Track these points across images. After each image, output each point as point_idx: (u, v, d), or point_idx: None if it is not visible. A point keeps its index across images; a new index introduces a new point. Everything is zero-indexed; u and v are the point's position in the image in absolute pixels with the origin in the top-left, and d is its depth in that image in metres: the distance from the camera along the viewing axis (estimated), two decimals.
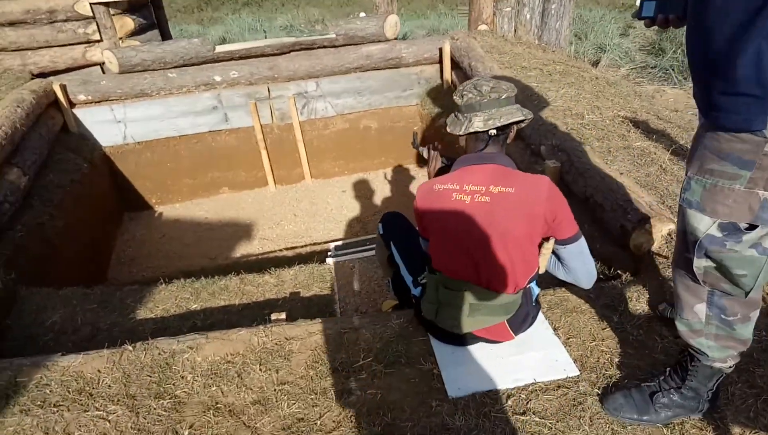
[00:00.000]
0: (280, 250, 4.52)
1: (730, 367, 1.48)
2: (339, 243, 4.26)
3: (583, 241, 1.81)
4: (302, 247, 4.55)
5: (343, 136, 5.44)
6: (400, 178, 5.53)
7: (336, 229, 4.78)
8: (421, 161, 5.66)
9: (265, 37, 13.16)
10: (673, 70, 7.34)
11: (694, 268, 1.31)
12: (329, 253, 3.64)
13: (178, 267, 4.41)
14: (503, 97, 1.79)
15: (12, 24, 4.62)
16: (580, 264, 1.84)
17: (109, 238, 4.77)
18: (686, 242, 1.33)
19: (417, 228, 2.03)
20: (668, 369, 1.62)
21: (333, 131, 5.40)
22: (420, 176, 5.51)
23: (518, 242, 1.71)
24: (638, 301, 2.12)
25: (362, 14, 16.31)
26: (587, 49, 8.33)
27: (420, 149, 2.33)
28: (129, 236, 4.96)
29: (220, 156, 5.28)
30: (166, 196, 5.38)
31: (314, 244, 4.58)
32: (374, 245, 3.72)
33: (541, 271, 1.89)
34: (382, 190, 5.36)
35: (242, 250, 4.63)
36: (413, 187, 5.36)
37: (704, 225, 1.25)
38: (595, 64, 7.64)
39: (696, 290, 1.38)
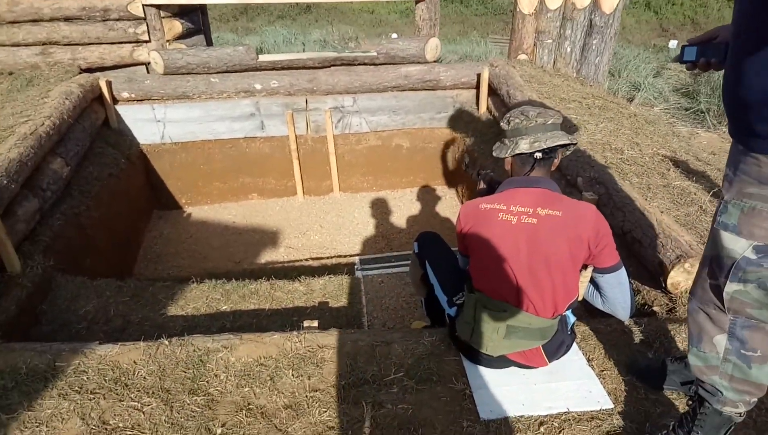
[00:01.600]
0: (305, 260, 4.55)
1: (741, 414, 1.45)
2: (364, 257, 4.28)
3: (623, 271, 1.82)
4: (327, 258, 4.57)
5: (374, 152, 5.50)
6: (428, 198, 5.56)
7: (361, 244, 4.80)
8: (453, 183, 5.69)
9: (304, 50, 13.38)
10: (708, 113, 7.31)
11: (724, 294, 1.32)
12: (357, 267, 3.67)
13: (204, 268, 4.46)
14: (549, 122, 1.83)
15: (67, 19, 4.78)
16: (619, 294, 1.84)
17: (138, 234, 4.84)
18: (718, 267, 1.33)
19: (457, 245, 2.05)
20: (680, 416, 1.61)
21: (365, 147, 5.46)
22: (448, 198, 5.54)
23: (561, 266, 1.72)
24: (674, 339, 2.11)
25: (394, 35, 16.53)
26: (621, 87, 8.34)
27: (470, 172, 2.36)
28: (157, 233, 5.03)
29: (252, 162, 5.36)
30: (196, 198, 5.46)
31: (339, 256, 4.61)
32: (400, 262, 3.75)
33: (579, 298, 1.89)
34: (408, 209, 5.39)
35: (267, 256, 4.67)
36: (440, 208, 5.38)
37: (740, 247, 1.26)
38: (629, 101, 7.65)
39: (718, 319, 1.38)
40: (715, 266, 1.34)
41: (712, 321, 1.39)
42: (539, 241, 1.71)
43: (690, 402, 1.57)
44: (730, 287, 1.30)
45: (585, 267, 1.82)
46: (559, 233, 1.70)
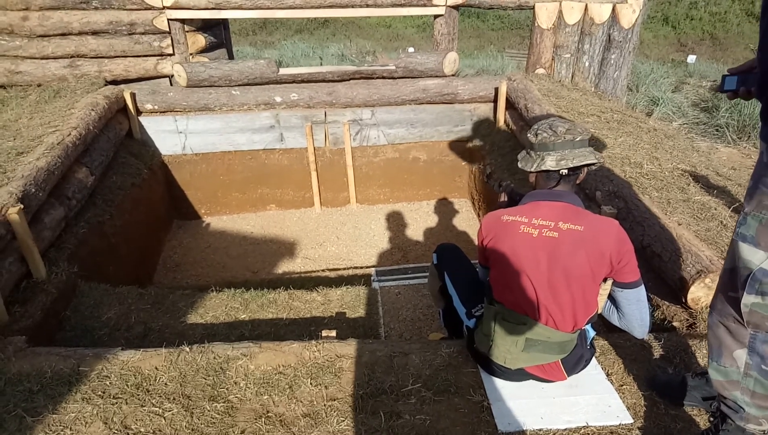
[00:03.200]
0: (322, 271, 4.58)
1: (765, 431, 1.43)
2: (381, 268, 4.30)
3: (642, 289, 1.80)
4: (344, 269, 4.60)
5: (391, 165, 5.54)
6: (444, 210, 5.57)
7: (377, 255, 4.82)
8: (471, 196, 5.69)
9: (321, 64, 13.53)
10: (727, 128, 7.25)
11: (741, 306, 1.31)
12: (373, 278, 3.69)
13: (222, 277, 4.52)
14: (577, 139, 1.81)
15: (95, 33, 4.90)
16: (636, 311, 1.82)
17: (158, 243, 4.92)
18: (735, 279, 1.33)
19: (477, 256, 2.06)
20: (701, 433, 1.59)
21: (382, 159, 5.50)
22: (464, 210, 5.54)
23: (581, 280, 1.71)
24: (694, 355, 2.09)
25: (411, 49, 16.68)
26: (639, 101, 8.31)
27: (492, 184, 2.38)
28: (176, 243, 5.11)
29: (271, 173, 5.43)
30: (215, 208, 5.54)
31: (356, 267, 4.63)
32: (417, 274, 3.76)
33: (599, 311, 1.88)
34: (425, 221, 5.41)
35: (285, 267, 4.71)
36: (456, 221, 5.38)
37: (758, 258, 1.26)
38: (648, 116, 7.62)
39: (738, 333, 1.37)
40: (734, 278, 1.34)
41: (732, 335, 1.39)
42: (560, 254, 1.71)
43: (712, 419, 1.55)
44: (748, 299, 1.29)
45: (605, 280, 1.81)
46: (579, 248, 1.69)
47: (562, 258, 1.70)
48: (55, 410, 1.86)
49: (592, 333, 1.97)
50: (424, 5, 5.21)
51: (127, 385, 1.97)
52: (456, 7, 5.31)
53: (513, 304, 1.81)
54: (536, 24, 5.28)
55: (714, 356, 1.45)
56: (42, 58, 4.94)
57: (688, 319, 2.33)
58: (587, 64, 5.32)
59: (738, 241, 1.30)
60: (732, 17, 19.66)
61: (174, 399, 1.91)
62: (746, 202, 1.32)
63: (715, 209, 2.85)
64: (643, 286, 1.80)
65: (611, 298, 1.87)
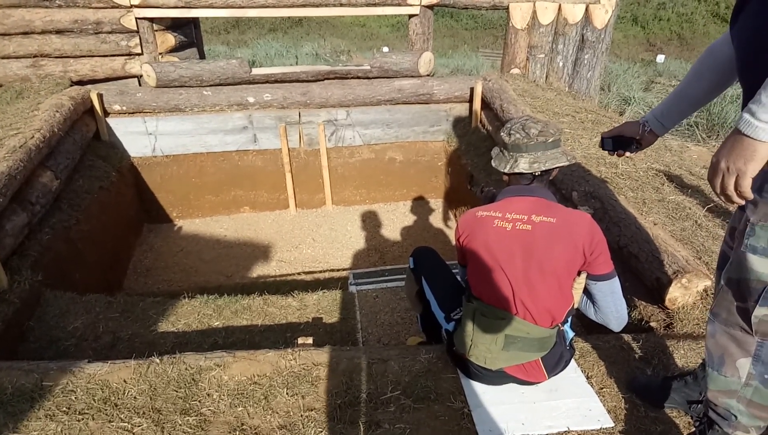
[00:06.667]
0: (298, 274, 4.51)
1: None
2: (357, 271, 4.25)
3: (616, 281, 1.81)
4: (320, 272, 4.54)
5: (367, 165, 5.49)
6: (421, 211, 5.55)
7: (354, 257, 4.77)
8: (447, 196, 5.68)
9: (296, 63, 13.41)
10: (697, 127, 7.40)
11: (752, 317, 1.28)
12: (350, 281, 3.63)
13: (195, 282, 4.41)
14: (550, 141, 1.82)
15: (59, 32, 4.73)
16: (611, 303, 1.82)
17: (128, 248, 4.78)
18: (746, 290, 1.29)
19: (456, 255, 2.03)
20: None
21: (358, 160, 5.45)
22: (441, 210, 5.53)
23: (556, 272, 1.71)
24: (672, 355, 2.09)
25: (385, 48, 16.65)
26: (611, 100, 8.43)
27: (474, 190, 2.36)
28: (147, 247, 4.98)
29: (244, 175, 5.33)
30: (187, 211, 5.41)
31: (332, 270, 4.57)
32: (394, 276, 3.72)
33: (576, 305, 1.87)
34: (401, 222, 5.37)
35: (259, 270, 4.62)
36: (433, 221, 5.37)
37: None
38: (620, 115, 7.72)
39: (744, 342, 1.34)
40: (744, 289, 1.30)
41: (737, 343, 1.35)
42: (534, 247, 1.71)
43: (697, 423, 1.54)
44: (760, 311, 1.26)
45: (579, 273, 1.81)
46: (553, 239, 1.70)
47: (537, 250, 1.70)
48: (15, 429, 1.76)
49: (571, 334, 1.96)
50: (399, 5, 5.18)
51: (93, 400, 1.89)
52: (431, 7, 5.28)
53: (490, 299, 1.79)
54: (511, 24, 5.29)
55: (714, 365, 1.42)
56: (3, 58, 4.75)
57: (665, 319, 2.34)
58: (561, 64, 5.35)
59: (747, 252, 1.25)
60: (698, 18, 20.13)
61: (143, 413, 1.84)
62: (749, 211, 1.27)
63: (690, 209, 2.87)
64: (617, 277, 1.80)
65: (587, 292, 1.87)
